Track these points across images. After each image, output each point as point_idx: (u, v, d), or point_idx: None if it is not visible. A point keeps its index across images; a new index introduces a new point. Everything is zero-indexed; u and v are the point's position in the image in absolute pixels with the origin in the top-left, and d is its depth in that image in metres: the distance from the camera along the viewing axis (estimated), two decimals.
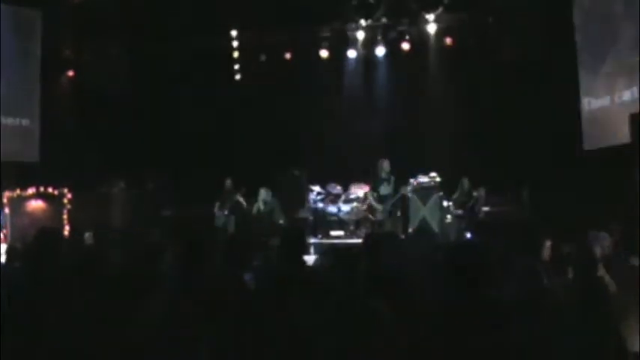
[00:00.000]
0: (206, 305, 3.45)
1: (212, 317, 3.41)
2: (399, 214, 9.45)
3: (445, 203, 9.64)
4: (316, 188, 10.76)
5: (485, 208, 9.19)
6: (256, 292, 3.76)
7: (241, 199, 9.97)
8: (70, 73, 10.96)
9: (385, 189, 9.43)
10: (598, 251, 5.01)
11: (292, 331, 3.13)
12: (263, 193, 9.82)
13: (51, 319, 3.26)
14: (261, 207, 9.76)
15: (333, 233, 10.05)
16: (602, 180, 8.04)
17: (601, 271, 4.55)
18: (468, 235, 8.91)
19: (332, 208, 10.51)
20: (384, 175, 9.38)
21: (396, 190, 9.39)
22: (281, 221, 9.62)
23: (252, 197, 9.97)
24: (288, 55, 11.63)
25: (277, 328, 3.24)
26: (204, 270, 3.94)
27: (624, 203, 7.13)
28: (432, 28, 11.08)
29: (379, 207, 9.52)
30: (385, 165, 9.39)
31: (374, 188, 9.59)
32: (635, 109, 7.43)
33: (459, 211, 9.40)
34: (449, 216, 9.55)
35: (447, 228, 9.47)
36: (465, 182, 9.48)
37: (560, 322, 3.54)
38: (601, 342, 3.66)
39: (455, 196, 9.55)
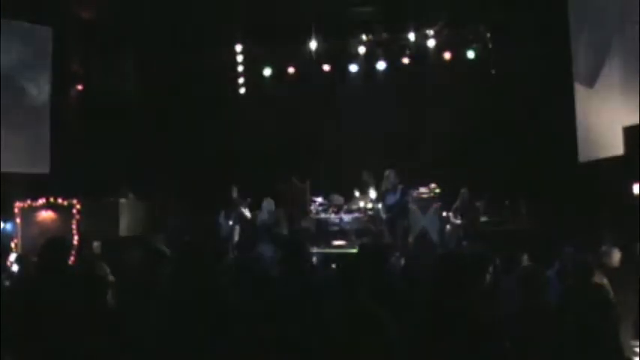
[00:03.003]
0: (205, 311, 3.59)
1: (211, 322, 3.54)
2: (401, 224, 9.57)
3: (444, 213, 9.83)
4: (318, 199, 10.96)
5: (484, 219, 9.35)
6: (258, 299, 3.87)
7: (246, 211, 10.12)
8: (80, 87, 11.18)
9: (391, 199, 9.54)
10: (609, 263, 5.17)
11: (292, 340, 3.26)
12: (267, 204, 9.95)
13: (58, 325, 3.35)
14: (265, 218, 9.89)
15: (335, 243, 10.21)
16: (596, 191, 8.19)
17: (598, 278, 4.71)
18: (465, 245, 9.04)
19: (334, 218, 10.70)
20: (390, 185, 9.50)
21: (402, 199, 9.54)
22: (284, 232, 9.77)
23: (256, 208, 10.13)
24: (291, 69, 11.89)
25: (278, 335, 3.37)
26: (204, 277, 4.08)
27: (618, 214, 7.29)
28: (431, 43, 11.34)
29: (385, 217, 9.61)
30: (392, 175, 9.51)
31: (381, 198, 9.69)
32: (628, 122, 7.62)
33: (458, 221, 9.55)
34: (448, 226, 9.72)
35: (447, 237, 9.63)
36: (465, 192, 9.64)
37: (557, 330, 3.67)
38: (599, 349, 3.80)
39: (455, 205, 9.71)
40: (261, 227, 9.92)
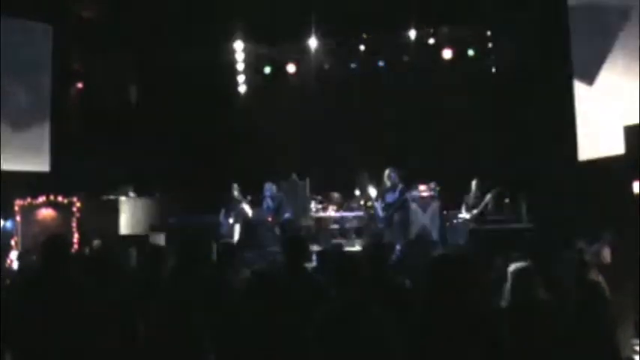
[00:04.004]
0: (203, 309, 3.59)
1: (210, 321, 3.55)
2: (399, 221, 9.57)
3: (445, 212, 9.84)
4: (318, 197, 10.97)
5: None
6: (258, 297, 3.88)
7: (246, 207, 10.13)
8: (80, 85, 11.21)
9: (391, 197, 9.56)
10: (600, 261, 5.19)
11: (291, 335, 3.27)
12: (269, 189, 9.91)
13: (61, 322, 3.40)
14: (270, 203, 9.90)
15: (335, 241, 10.22)
16: (596, 190, 8.19)
17: (593, 275, 4.72)
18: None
19: (334, 217, 10.71)
20: (389, 183, 9.53)
21: (401, 198, 9.53)
22: (287, 214, 9.75)
23: (257, 206, 10.15)
24: (291, 68, 11.90)
25: (277, 332, 3.38)
26: (203, 274, 4.08)
27: (618, 213, 7.29)
28: (431, 40, 11.35)
29: (384, 215, 9.62)
30: (392, 174, 9.54)
31: (380, 196, 9.71)
32: (628, 121, 7.61)
33: (468, 215, 9.53)
34: (455, 220, 9.70)
35: (453, 232, 9.60)
36: (475, 184, 9.63)
37: (555, 328, 3.68)
38: (595, 346, 3.81)
39: (467, 199, 9.69)
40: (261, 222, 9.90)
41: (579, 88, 9.37)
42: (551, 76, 9.56)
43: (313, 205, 10.84)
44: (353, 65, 11.83)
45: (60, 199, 9.67)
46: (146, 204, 10.45)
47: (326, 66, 11.77)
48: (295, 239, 4.32)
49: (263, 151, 11.36)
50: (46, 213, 9.65)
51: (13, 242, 9.32)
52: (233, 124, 11.69)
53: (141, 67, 11.45)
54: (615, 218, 7.01)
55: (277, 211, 9.81)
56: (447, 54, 11.26)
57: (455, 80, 10.94)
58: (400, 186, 9.48)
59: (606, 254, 5.23)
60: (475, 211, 9.38)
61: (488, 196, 9.32)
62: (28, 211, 9.58)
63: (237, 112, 11.93)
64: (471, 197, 9.57)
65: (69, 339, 3.38)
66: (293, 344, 3.23)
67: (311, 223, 10.59)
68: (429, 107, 11.00)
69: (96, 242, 8.49)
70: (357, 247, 9.36)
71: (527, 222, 8.96)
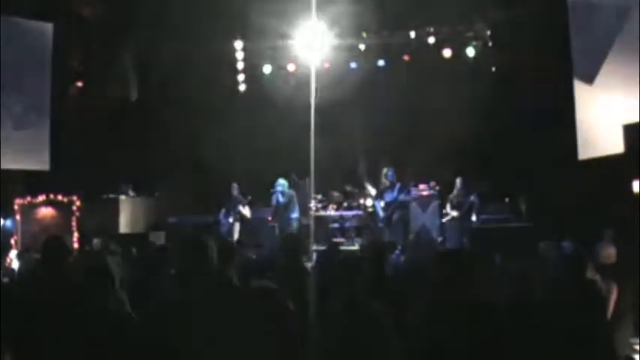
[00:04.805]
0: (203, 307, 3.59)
1: (210, 320, 3.55)
2: (398, 220, 9.58)
3: (444, 211, 9.85)
4: (318, 196, 10.97)
5: (484, 216, 9.36)
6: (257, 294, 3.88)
7: (245, 209, 10.13)
8: (80, 84, 11.22)
9: (390, 196, 9.59)
10: (605, 260, 5.18)
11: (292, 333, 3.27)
12: (281, 184, 9.88)
13: (61, 322, 3.37)
14: (281, 199, 9.90)
15: (335, 240, 10.23)
16: (596, 189, 8.21)
17: (590, 273, 4.72)
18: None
19: (334, 216, 10.71)
20: (388, 182, 9.56)
21: (399, 196, 9.56)
22: (294, 215, 9.75)
23: (261, 206, 10.16)
24: (291, 67, 11.89)
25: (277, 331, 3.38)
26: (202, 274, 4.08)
27: (618, 212, 7.30)
28: (431, 40, 11.35)
29: (383, 214, 9.64)
30: (390, 173, 9.57)
31: (379, 196, 9.74)
32: (628, 120, 7.62)
33: (455, 212, 9.52)
34: (444, 219, 9.71)
35: (446, 232, 9.62)
36: (459, 182, 9.63)
37: (551, 324, 3.69)
38: (592, 345, 3.81)
39: (451, 196, 9.69)
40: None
41: (579, 86, 9.37)
42: (550, 75, 9.56)
43: (313, 204, 10.85)
44: (353, 65, 11.81)
45: (60, 198, 9.69)
46: (146, 203, 10.47)
47: (326, 65, 11.74)
48: (291, 238, 4.31)
49: (263, 150, 11.35)
50: (46, 212, 9.67)
51: (12, 241, 9.33)
52: (233, 122, 11.68)
53: (141, 66, 11.44)
54: (615, 218, 7.02)
55: (286, 207, 9.80)
56: (447, 53, 11.26)
57: (455, 79, 10.92)
58: (398, 184, 9.50)
59: (611, 253, 5.21)
60: (460, 211, 9.39)
61: (473, 196, 9.34)
62: (28, 210, 9.60)
63: (237, 111, 11.91)
64: (455, 195, 9.58)
65: (69, 339, 3.38)
66: (293, 344, 3.23)
67: (311, 222, 10.59)
68: (429, 106, 10.99)
69: (95, 241, 8.49)
70: (357, 247, 9.38)
71: (526, 221, 8.97)
